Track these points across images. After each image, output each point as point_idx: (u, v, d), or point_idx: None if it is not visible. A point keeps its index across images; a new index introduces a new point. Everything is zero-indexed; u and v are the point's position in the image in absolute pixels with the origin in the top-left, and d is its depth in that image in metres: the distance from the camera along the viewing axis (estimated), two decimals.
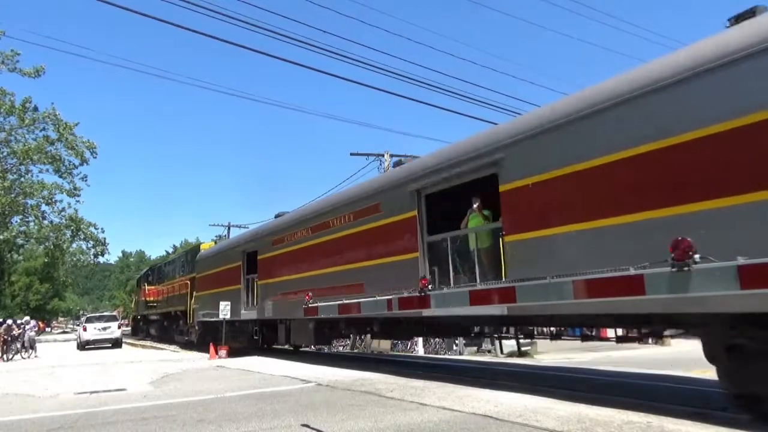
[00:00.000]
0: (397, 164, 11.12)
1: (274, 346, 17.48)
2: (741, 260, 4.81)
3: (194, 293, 21.98)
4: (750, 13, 6.66)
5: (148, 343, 32.87)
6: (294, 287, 13.28)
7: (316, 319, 12.38)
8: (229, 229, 40.13)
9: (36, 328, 24.32)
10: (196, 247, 25.41)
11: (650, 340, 7.18)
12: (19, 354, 21.04)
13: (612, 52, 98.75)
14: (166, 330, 29.65)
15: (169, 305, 27.54)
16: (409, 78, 15.55)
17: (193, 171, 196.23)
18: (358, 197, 11.19)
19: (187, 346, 25.39)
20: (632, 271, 5.73)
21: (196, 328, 21.42)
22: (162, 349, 26.18)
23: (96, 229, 32.89)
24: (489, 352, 18.57)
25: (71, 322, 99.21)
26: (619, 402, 6.30)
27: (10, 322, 23.82)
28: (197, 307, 21.19)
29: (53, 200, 30.74)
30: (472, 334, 11.24)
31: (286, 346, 16.82)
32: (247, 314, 16.29)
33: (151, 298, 32.92)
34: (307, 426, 5.69)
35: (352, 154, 25.23)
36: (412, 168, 9.84)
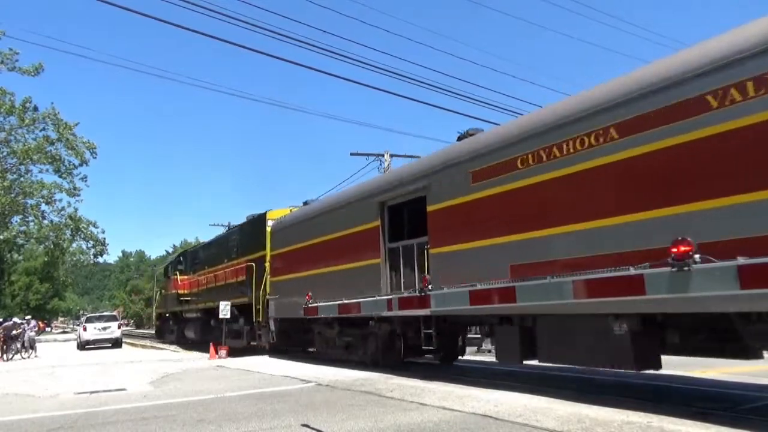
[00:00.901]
0: None
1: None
2: (741, 260, 4.81)
3: (265, 279, 15.85)
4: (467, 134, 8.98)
5: (147, 342, 32.80)
6: (575, 250, 6.65)
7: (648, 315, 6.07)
8: (228, 228, 39.90)
9: (36, 328, 24.31)
10: (260, 218, 17.83)
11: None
12: (19, 354, 21.04)
13: (612, 52, 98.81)
14: (210, 331, 21.61)
15: (219, 297, 20.14)
16: (409, 78, 15.56)
17: (193, 171, 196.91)
18: None
19: (192, 346, 24.99)
20: (632, 271, 5.73)
21: (272, 328, 15.05)
22: (162, 349, 26.19)
23: (96, 228, 32.95)
24: (489, 351, 18.55)
25: (71, 322, 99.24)
26: (619, 402, 6.30)
27: (16, 319, 23.83)
28: (275, 299, 14.82)
29: (53, 199, 30.80)
30: None
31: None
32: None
33: (185, 291, 25.52)
34: (307, 426, 5.69)
35: (352, 154, 25.24)
36: None
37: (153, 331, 49.26)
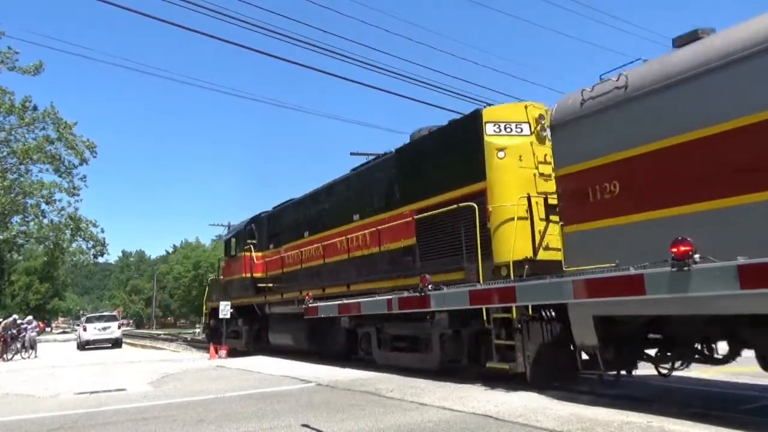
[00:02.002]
0: None
1: None
2: (741, 260, 4.80)
3: (495, 233, 8.41)
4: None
5: (147, 342, 32.81)
6: None
7: None
8: (229, 228, 40.01)
9: (37, 329, 24.32)
10: (465, 122, 9.55)
11: None
12: (19, 354, 21.04)
13: (613, 52, 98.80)
14: (322, 336, 13.47)
15: (359, 277, 11.82)
16: (409, 78, 15.57)
17: (194, 171, 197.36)
18: None
19: (193, 346, 24.69)
20: (632, 271, 5.72)
21: (585, 341, 6.36)
22: (162, 349, 26.21)
23: (96, 227, 33.00)
24: None
25: (71, 322, 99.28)
26: (619, 402, 6.30)
27: (15, 316, 23.83)
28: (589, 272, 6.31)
29: (53, 199, 30.84)
30: None
31: None
32: None
33: (265, 274, 16.74)
34: (307, 426, 5.69)
35: (352, 154, 25.06)
36: None
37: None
